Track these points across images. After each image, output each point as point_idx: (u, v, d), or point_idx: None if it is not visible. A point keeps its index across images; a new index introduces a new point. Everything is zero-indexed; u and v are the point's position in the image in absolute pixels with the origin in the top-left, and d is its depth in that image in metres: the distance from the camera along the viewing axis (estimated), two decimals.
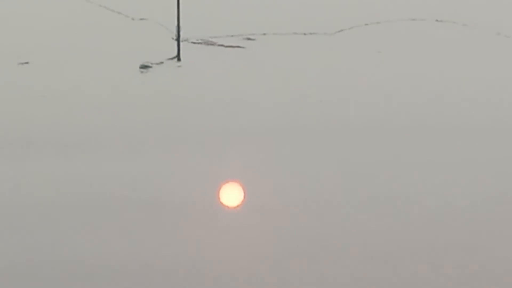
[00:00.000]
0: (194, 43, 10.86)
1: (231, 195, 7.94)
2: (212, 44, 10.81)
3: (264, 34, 11.25)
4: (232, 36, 11.02)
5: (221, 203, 7.91)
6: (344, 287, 6.42)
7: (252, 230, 7.19)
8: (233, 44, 10.81)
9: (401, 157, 8.48)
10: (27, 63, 10.14)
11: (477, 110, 9.61)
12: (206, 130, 8.79)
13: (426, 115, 9.53)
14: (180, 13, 11.62)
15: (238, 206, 7.82)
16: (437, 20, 12.56)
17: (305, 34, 11.41)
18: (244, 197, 7.86)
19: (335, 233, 7.26)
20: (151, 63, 10.09)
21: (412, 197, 8.22)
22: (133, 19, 11.80)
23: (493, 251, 7.13)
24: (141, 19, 11.68)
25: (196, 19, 11.87)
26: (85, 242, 7.01)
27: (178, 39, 10.80)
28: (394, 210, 7.81)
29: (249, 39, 10.97)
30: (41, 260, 6.86)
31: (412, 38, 12.02)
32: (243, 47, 10.77)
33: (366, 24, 12.29)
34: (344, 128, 9.01)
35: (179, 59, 10.38)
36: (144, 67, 9.96)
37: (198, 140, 8.60)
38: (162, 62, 10.24)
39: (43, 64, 10.22)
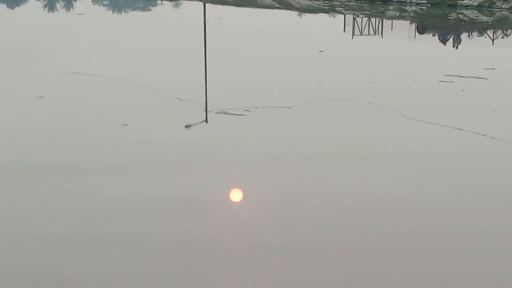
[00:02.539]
0: (217, 112, 10.89)
1: (236, 195, 7.53)
2: (227, 113, 10.84)
3: (256, 107, 11.34)
4: (237, 108, 11.09)
5: (229, 199, 7.41)
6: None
7: (250, 219, 6.98)
8: (239, 113, 10.83)
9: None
10: (125, 124, 10.11)
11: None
12: (222, 160, 8.87)
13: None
14: (208, 96, 11.97)
15: (240, 201, 7.41)
16: (369, 103, 12.18)
17: (276, 107, 11.50)
18: (244, 196, 7.46)
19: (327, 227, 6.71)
20: (191, 124, 10.19)
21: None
22: (181, 100, 11.86)
23: None
24: (187, 100, 11.77)
25: (217, 99, 11.94)
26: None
27: (206, 110, 11.06)
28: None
29: (247, 110, 11.04)
30: None
31: (345, 110, 11.72)
32: (244, 115, 10.78)
33: (311, 101, 12.07)
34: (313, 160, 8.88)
35: (207, 122, 10.51)
36: (187, 126, 10.10)
37: (217, 164, 8.65)
38: (197, 123, 10.30)
39: (136, 124, 10.29)
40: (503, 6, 34.14)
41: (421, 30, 28.36)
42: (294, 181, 8.04)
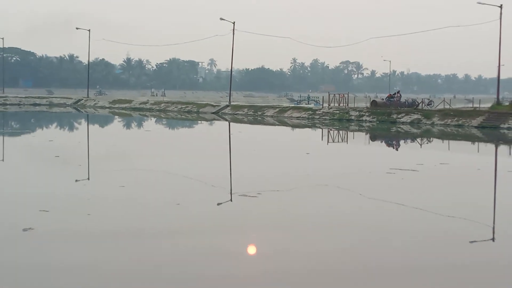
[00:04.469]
0: (238, 195, 10.82)
1: (251, 249, 7.35)
2: (245, 195, 10.70)
3: (265, 191, 11.20)
4: (251, 192, 10.95)
5: (247, 252, 7.23)
6: None
7: (260, 265, 6.90)
8: (253, 195, 10.66)
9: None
10: (178, 204, 9.84)
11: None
12: (243, 225, 8.81)
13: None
14: (232, 184, 12.15)
15: (254, 253, 7.14)
16: (338, 187, 12.23)
17: (278, 190, 11.46)
18: (256, 249, 7.27)
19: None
20: (222, 202, 10.11)
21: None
22: (214, 186, 11.75)
23: None
24: (218, 186, 11.70)
25: (238, 186, 11.97)
26: None
27: (231, 193, 11.08)
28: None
29: (259, 193, 10.91)
30: None
31: (325, 192, 11.65)
32: (256, 196, 10.61)
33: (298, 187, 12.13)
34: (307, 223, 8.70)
35: (232, 201, 10.40)
36: (219, 203, 10.02)
37: (239, 228, 8.61)
38: (225, 202, 10.22)
39: (186, 203, 10.09)
40: (427, 123, 34.72)
41: (373, 138, 28.76)
42: (293, 238, 7.99)
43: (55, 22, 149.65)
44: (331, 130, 32.56)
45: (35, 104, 61.87)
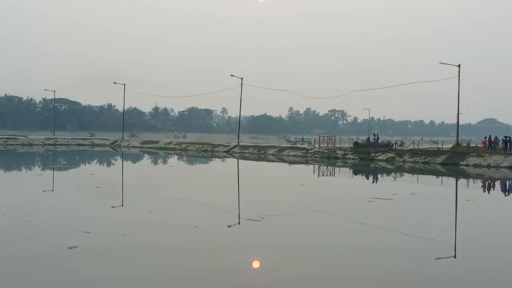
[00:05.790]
0: (246, 219, 10.68)
1: (256, 263, 7.23)
2: (251, 219, 10.58)
3: (267, 216, 11.06)
4: (256, 216, 10.84)
5: (252, 265, 7.09)
6: None
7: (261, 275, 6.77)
8: (258, 219, 10.56)
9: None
10: (196, 226, 9.71)
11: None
12: (249, 244, 8.69)
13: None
14: (240, 209, 12.07)
15: (258, 267, 6.98)
16: (326, 213, 12.07)
17: (278, 215, 11.35)
18: (260, 263, 7.16)
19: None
20: (231, 225, 10.04)
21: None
22: (225, 212, 11.61)
23: None
24: (228, 212, 11.54)
25: (245, 210, 11.82)
26: None
27: (239, 218, 10.96)
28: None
29: (262, 218, 10.80)
30: None
31: (316, 217, 11.49)
32: (260, 220, 10.51)
33: (300, 211, 12.04)
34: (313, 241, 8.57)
35: (239, 224, 10.29)
36: (229, 226, 9.97)
37: (246, 247, 8.45)
38: (234, 224, 10.12)
39: (202, 226, 9.88)
40: (399, 160, 34.76)
41: (355, 173, 28.71)
42: (291, 253, 7.90)
43: (97, 77, 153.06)
44: (321, 166, 32.56)
45: (79, 144, 62.27)
